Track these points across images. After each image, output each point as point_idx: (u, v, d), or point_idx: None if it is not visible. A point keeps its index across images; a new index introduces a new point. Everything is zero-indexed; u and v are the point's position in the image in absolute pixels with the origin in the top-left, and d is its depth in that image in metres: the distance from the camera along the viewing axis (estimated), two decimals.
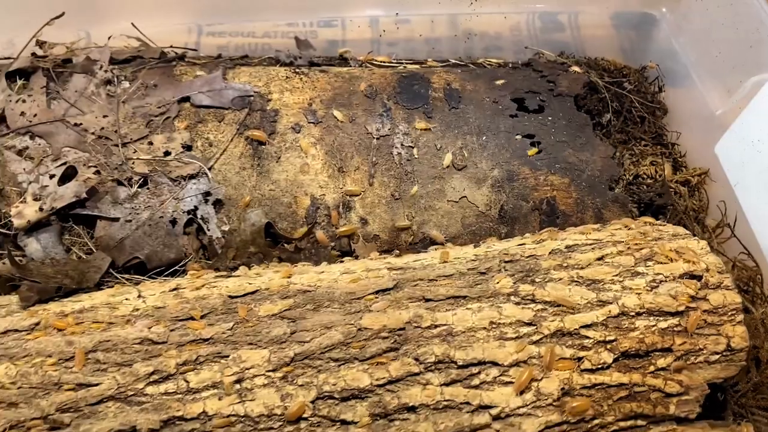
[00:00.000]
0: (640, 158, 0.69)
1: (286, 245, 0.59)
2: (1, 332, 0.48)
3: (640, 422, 0.47)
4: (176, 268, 0.57)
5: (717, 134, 0.67)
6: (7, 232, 0.54)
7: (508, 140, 0.63)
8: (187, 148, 0.59)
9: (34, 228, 0.55)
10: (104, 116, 0.59)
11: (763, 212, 0.61)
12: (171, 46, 0.72)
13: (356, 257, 0.60)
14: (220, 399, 0.45)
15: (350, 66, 0.72)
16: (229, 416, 0.44)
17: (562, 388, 0.46)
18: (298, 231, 0.57)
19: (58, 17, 0.69)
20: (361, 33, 0.88)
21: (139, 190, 0.57)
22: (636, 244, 0.53)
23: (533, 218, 0.62)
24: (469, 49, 0.85)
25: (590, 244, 0.54)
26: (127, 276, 0.56)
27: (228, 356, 0.46)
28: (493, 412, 0.45)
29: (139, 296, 0.51)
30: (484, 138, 0.63)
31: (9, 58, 0.71)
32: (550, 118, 0.65)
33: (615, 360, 0.47)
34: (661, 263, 0.51)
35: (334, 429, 0.45)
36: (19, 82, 0.62)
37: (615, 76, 0.76)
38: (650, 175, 0.68)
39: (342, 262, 0.56)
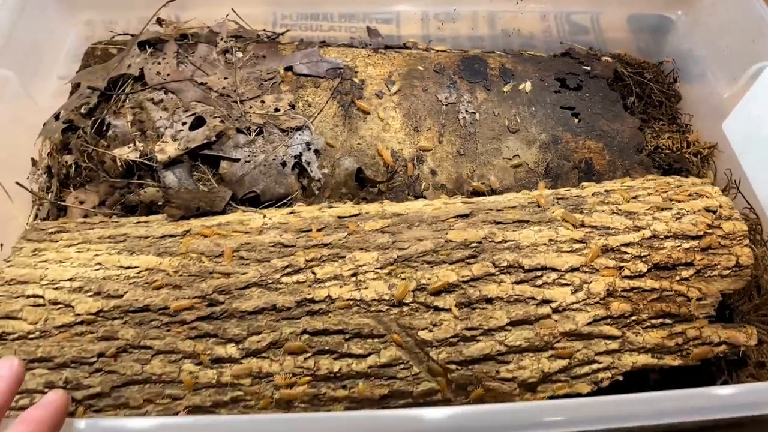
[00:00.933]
0: (659, 134, 0.82)
1: (370, 189, 0.72)
2: (159, 236, 0.60)
3: (667, 320, 0.59)
4: (284, 202, 0.69)
5: (724, 115, 0.80)
6: (151, 163, 0.66)
7: (553, 111, 0.76)
8: (292, 106, 0.72)
9: (170, 164, 0.67)
10: (225, 78, 0.72)
11: (763, 175, 0.73)
12: (264, 30, 0.85)
13: None
14: (340, 287, 0.57)
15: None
16: (347, 300, 0.56)
17: (607, 290, 0.58)
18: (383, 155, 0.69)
19: (171, 0, 0.82)
20: (414, 29, 1.01)
21: (256, 137, 0.69)
22: (662, 188, 0.66)
23: (573, 175, 0.74)
24: (508, 44, 0.98)
25: (625, 189, 0.66)
26: (243, 207, 0.68)
27: (344, 257, 0.58)
28: (553, 305, 0.57)
29: (264, 216, 0.63)
30: (533, 108, 0.76)
31: (124, 34, 0.84)
32: (587, 95, 0.78)
33: (648, 270, 0.59)
34: (684, 201, 0.63)
35: (428, 313, 0.57)
36: (149, 50, 0.75)
37: (636, 69, 0.89)
38: (668, 147, 0.81)
39: None
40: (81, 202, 0.67)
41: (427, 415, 0.49)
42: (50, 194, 0.68)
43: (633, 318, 0.59)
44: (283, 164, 0.68)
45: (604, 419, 0.50)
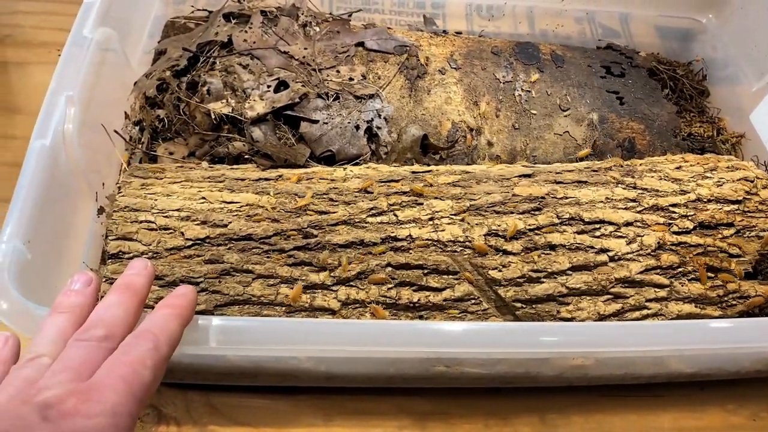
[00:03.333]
0: (692, 123, 0.90)
1: (432, 155, 0.78)
2: (255, 179, 0.66)
3: (710, 273, 0.66)
4: (356, 162, 0.75)
5: (751, 108, 0.87)
6: (241, 118, 0.72)
7: (600, 93, 0.83)
8: (364, 77, 0.79)
9: (257, 120, 0.73)
10: (305, 49, 0.79)
11: None
12: (330, 13, 0.92)
13: None
14: (420, 228, 0.63)
15: None
16: (426, 239, 0.62)
17: (658, 243, 0.65)
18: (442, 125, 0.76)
19: None
20: (459, 25, 1.08)
21: (333, 102, 0.75)
22: (703, 161, 0.72)
23: (617, 152, 0.81)
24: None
25: (669, 161, 0.73)
26: (320, 165, 0.74)
27: (422, 203, 0.64)
28: (610, 254, 0.64)
29: (345, 169, 0.69)
30: (582, 90, 0.83)
31: (203, 9, 0.91)
32: (630, 81, 0.85)
33: (694, 228, 0.66)
34: (723, 171, 0.70)
35: (498, 255, 0.63)
36: (233, 21, 0.82)
37: (668, 66, 0.96)
38: (700, 134, 0.88)
39: None
40: (171, 153, 0.73)
41: (447, 327, 0.55)
42: (141, 145, 0.74)
43: (680, 269, 0.65)
44: (357, 127, 0.75)
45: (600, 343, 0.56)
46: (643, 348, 0.57)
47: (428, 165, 0.77)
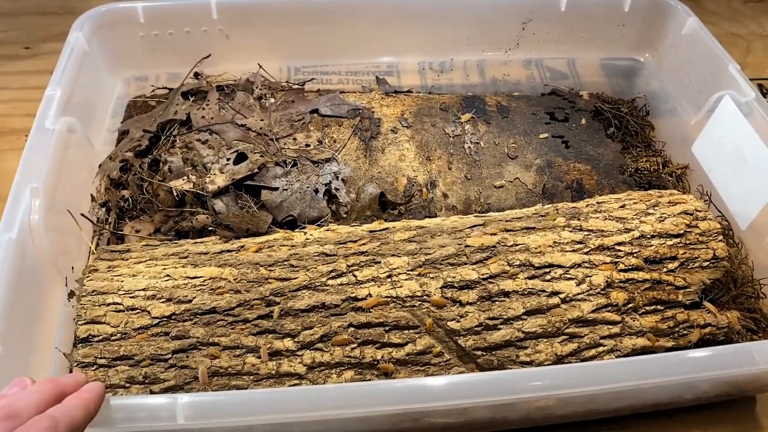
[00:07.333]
0: (638, 158, 0.94)
1: (391, 211, 0.81)
2: (217, 252, 0.69)
3: (659, 307, 0.69)
4: (318, 224, 0.78)
5: (692, 139, 0.92)
6: (202, 193, 0.75)
7: (546, 139, 0.87)
8: (320, 142, 0.82)
9: (219, 193, 0.76)
10: (261, 120, 0.82)
11: (730, 187, 0.85)
12: (287, 81, 0.96)
13: None
14: (378, 286, 0.65)
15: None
16: (386, 297, 0.65)
17: (607, 281, 0.68)
18: (398, 182, 0.79)
19: (205, 58, 0.93)
20: (413, 79, 1.13)
21: (291, 169, 0.79)
22: (645, 198, 0.76)
23: (567, 194, 0.85)
24: (497, 90, 1.11)
25: (614, 201, 0.77)
26: (283, 230, 0.77)
27: (380, 262, 0.67)
28: (561, 296, 0.67)
29: (305, 234, 0.72)
30: (529, 137, 0.87)
31: (163, 87, 0.95)
32: (574, 125, 0.90)
33: (640, 264, 0.69)
34: (665, 207, 0.74)
35: (455, 306, 0.66)
36: (191, 99, 0.85)
37: (612, 105, 1.01)
38: (647, 168, 0.92)
39: None
40: (137, 231, 0.76)
41: (430, 383, 0.57)
42: (108, 225, 0.77)
43: (630, 305, 0.68)
44: (316, 191, 0.78)
45: (584, 383, 0.58)
46: (606, 386, 0.59)
47: (387, 221, 0.80)
